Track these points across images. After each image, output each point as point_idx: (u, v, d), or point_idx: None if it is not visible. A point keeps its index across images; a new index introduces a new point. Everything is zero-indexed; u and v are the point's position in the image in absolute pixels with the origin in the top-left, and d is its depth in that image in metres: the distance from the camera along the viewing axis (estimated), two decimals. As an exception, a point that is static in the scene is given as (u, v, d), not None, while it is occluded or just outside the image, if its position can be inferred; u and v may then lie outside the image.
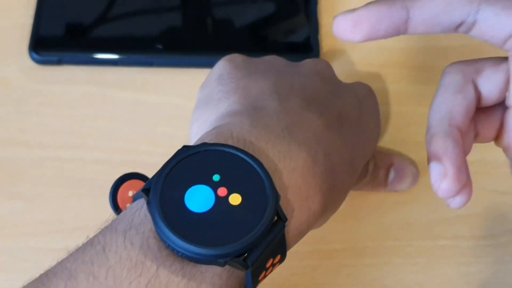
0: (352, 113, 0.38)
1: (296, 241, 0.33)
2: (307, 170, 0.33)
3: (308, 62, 0.41)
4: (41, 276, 0.30)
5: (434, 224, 0.45)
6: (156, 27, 0.51)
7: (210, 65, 0.50)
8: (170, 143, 0.47)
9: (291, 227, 0.32)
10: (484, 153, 0.46)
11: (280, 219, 0.30)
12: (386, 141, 0.48)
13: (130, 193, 0.37)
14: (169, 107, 0.49)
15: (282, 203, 0.31)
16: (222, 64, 0.40)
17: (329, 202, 0.34)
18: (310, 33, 0.51)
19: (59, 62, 0.50)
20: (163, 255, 0.29)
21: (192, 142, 0.36)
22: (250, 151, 0.31)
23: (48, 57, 0.50)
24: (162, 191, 0.30)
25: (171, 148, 0.47)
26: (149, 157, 0.46)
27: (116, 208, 0.37)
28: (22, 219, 0.45)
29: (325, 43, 0.51)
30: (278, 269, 0.43)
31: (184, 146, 0.32)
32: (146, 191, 0.30)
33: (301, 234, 0.33)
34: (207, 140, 0.32)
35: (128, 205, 0.35)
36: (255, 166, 0.30)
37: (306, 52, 0.50)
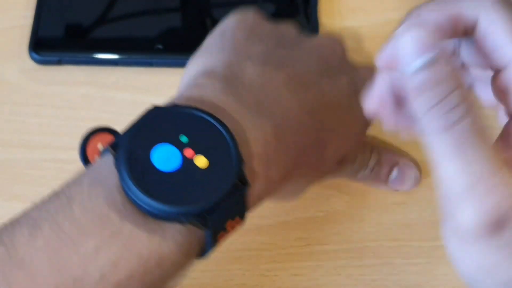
0: (338, 100, 0.38)
1: (254, 206, 0.34)
2: (270, 143, 0.34)
3: (319, 38, 0.41)
4: (5, 224, 0.30)
5: (434, 225, 0.45)
6: (156, 28, 0.51)
7: (210, 65, 0.50)
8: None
9: (252, 193, 0.32)
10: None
11: (242, 184, 0.31)
12: (387, 137, 0.47)
13: (100, 146, 0.38)
14: (169, 107, 0.49)
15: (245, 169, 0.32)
16: (231, 20, 0.40)
17: (290, 176, 0.36)
18: (310, 33, 0.51)
19: (59, 62, 0.50)
20: (127, 210, 0.30)
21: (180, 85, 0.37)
22: (219, 117, 0.32)
23: (48, 57, 0.50)
24: (129, 147, 0.30)
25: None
26: (149, 157, 0.46)
27: (86, 160, 0.38)
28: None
29: (325, 44, 0.51)
30: (279, 270, 0.43)
31: (155, 106, 0.32)
32: (114, 146, 0.31)
33: (260, 200, 0.34)
34: (178, 102, 0.33)
35: (96, 157, 0.36)
36: (223, 131, 0.31)
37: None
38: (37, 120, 0.48)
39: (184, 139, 0.31)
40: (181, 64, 0.50)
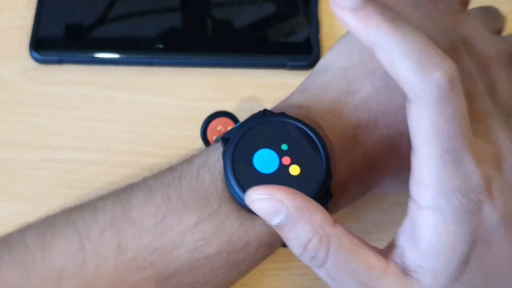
0: None
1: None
2: (356, 168, 0.37)
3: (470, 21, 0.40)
4: (125, 186, 0.35)
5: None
6: (156, 27, 0.51)
7: (210, 65, 0.50)
8: (170, 144, 0.47)
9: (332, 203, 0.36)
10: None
11: (326, 195, 0.35)
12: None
13: (219, 128, 0.46)
14: (169, 107, 0.49)
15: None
16: None
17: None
18: (310, 33, 0.51)
19: (59, 62, 0.50)
20: (225, 196, 0.34)
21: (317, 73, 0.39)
22: (321, 135, 0.36)
23: (48, 56, 0.50)
24: (236, 145, 0.35)
25: (171, 149, 0.47)
26: (149, 158, 0.46)
27: (205, 139, 0.45)
28: (22, 220, 0.44)
29: (326, 43, 0.51)
30: (280, 270, 0.43)
31: (266, 110, 0.36)
32: (224, 139, 0.35)
33: (332, 211, 0.37)
34: (288, 111, 0.36)
35: (214, 138, 0.43)
36: (319, 145, 0.35)
37: (306, 52, 0.50)
38: (37, 120, 0.48)
39: (285, 147, 0.35)
40: (181, 64, 0.51)
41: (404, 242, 0.32)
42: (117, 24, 0.52)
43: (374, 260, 0.31)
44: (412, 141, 0.31)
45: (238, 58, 0.50)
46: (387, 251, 0.33)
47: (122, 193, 0.35)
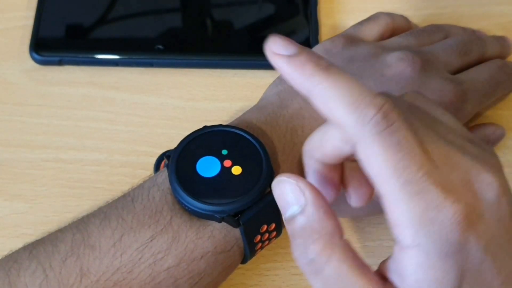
0: None
1: None
2: (300, 169, 0.38)
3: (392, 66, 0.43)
4: (82, 216, 0.37)
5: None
6: (156, 28, 0.51)
7: (210, 66, 0.51)
8: (170, 144, 0.47)
9: None
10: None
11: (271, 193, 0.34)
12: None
13: None
14: (169, 108, 0.49)
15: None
16: (315, 49, 0.45)
17: None
18: (310, 33, 0.51)
19: (60, 63, 0.50)
20: (176, 208, 0.36)
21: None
22: (257, 136, 0.38)
23: (49, 57, 0.50)
24: (178, 157, 0.37)
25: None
26: (149, 158, 0.46)
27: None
28: (23, 220, 0.45)
29: (325, 44, 0.51)
30: (279, 269, 0.43)
31: (205, 126, 0.38)
32: (167, 156, 0.38)
33: None
34: (229, 122, 0.40)
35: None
36: (258, 146, 0.37)
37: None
38: (37, 120, 0.48)
39: (224, 152, 0.37)
40: (181, 65, 0.51)
41: (394, 278, 0.31)
42: (117, 25, 0.52)
43: (373, 284, 0.30)
44: (374, 185, 0.30)
45: (238, 59, 0.50)
46: (385, 281, 0.31)
47: (80, 223, 0.37)
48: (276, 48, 0.31)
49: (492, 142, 0.46)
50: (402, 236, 0.30)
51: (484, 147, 0.33)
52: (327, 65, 0.30)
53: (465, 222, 0.29)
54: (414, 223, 0.29)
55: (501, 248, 0.30)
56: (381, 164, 0.29)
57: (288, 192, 0.31)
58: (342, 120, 0.29)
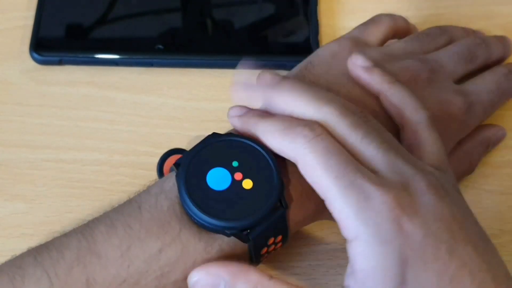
0: None
1: (295, 227, 0.38)
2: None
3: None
4: (88, 221, 0.36)
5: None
6: (156, 28, 0.51)
7: (210, 66, 0.51)
8: (170, 144, 0.47)
9: (291, 215, 0.37)
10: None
11: (282, 206, 0.36)
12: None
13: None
14: (169, 108, 0.49)
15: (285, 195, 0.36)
16: (321, 51, 0.44)
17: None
18: (310, 34, 0.51)
19: (60, 63, 0.50)
20: (184, 219, 0.36)
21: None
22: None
23: (49, 57, 0.50)
24: (189, 167, 0.36)
25: (171, 149, 0.47)
26: (149, 158, 0.46)
27: (162, 176, 0.45)
28: (23, 220, 0.45)
29: (325, 44, 0.51)
30: (279, 269, 0.43)
31: (214, 133, 0.38)
32: (177, 165, 0.36)
33: (299, 223, 0.39)
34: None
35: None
36: (268, 158, 0.36)
37: (305, 53, 0.50)
38: (38, 120, 0.48)
39: (235, 164, 0.36)
40: (181, 64, 0.51)
41: (349, 282, 0.33)
42: (117, 25, 0.52)
43: None
44: (316, 191, 0.34)
45: (238, 59, 0.50)
46: None
47: (85, 229, 0.36)
48: (232, 111, 0.38)
49: (493, 143, 0.46)
50: (346, 231, 0.32)
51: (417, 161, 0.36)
52: (262, 115, 0.37)
53: (398, 209, 0.32)
54: (351, 215, 0.32)
55: (445, 243, 0.32)
56: (316, 167, 0.33)
57: (206, 283, 0.34)
58: (280, 147, 0.35)
